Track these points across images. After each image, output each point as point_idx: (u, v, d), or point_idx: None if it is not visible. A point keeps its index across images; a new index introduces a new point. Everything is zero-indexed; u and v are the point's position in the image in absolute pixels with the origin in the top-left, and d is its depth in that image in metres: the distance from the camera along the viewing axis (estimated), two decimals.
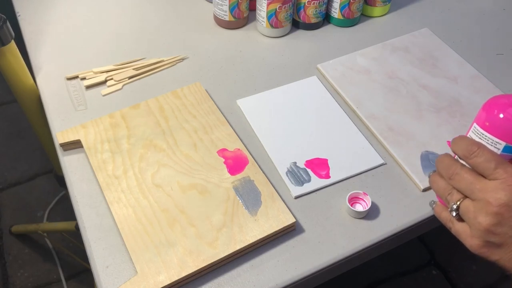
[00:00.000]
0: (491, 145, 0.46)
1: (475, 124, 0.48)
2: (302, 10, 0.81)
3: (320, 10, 0.81)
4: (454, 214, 0.47)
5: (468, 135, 0.49)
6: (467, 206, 0.46)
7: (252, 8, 0.84)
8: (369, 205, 0.57)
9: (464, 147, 0.46)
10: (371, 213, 0.59)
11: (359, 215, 0.58)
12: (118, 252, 0.55)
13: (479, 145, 0.46)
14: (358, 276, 1.29)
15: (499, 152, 0.46)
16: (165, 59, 0.78)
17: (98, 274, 0.53)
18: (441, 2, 0.90)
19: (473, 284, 1.29)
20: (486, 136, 0.46)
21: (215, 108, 0.68)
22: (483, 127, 0.46)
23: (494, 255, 0.45)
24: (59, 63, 0.77)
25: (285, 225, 0.55)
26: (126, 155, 0.62)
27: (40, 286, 1.29)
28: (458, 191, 0.47)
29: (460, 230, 0.47)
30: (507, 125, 0.45)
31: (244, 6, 0.81)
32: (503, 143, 0.45)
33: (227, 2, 0.79)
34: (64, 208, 1.43)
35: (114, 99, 0.72)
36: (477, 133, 0.47)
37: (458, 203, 0.47)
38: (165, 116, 0.67)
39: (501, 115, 0.45)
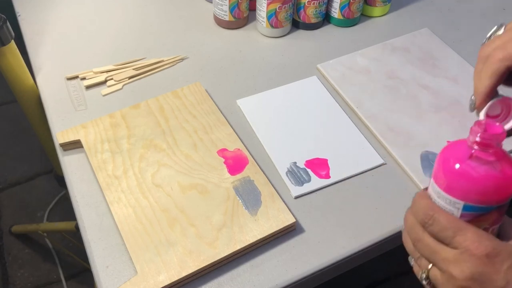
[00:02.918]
0: (450, 205, 0.39)
1: (432, 181, 0.41)
2: (302, 10, 0.81)
3: (320, 10, 0.81)
4: (424, 282, 0.43)
5: (428, 192, 0.42)
6: (436, 275, 0.41)
7: (252, 8, 0.84)
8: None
9: (421, 214, 0.41)
10: (371, 213, 0.59)
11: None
12: (118, 252, 0.55)
13: (434, 211, 0.40)
14: (358, 276, 1.29)
15: (459, 212, 0.39)
16: (165, 59, 0.78)
17: (98, 274, 0.53)
18: (441, 2, 0.90)
19: None
20: (442, 195, 0.40)
21: (215, 108, 0.68)
22: (438, 184, 0.40)
23: None
24: (59, 63, 0.77)
25: (285, 225, 0.55)
26: (126, 155, 0.62)
27: (40, 286, 1.29)
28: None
29: None
30: (463, 182, 0.38)
31: (244, 6, 0.81)
32: (462, 203, 0.39)
33: (227, 2, 0.79)
34: (64, 208, 1.43)
35: (114, 99, 0.72)
36: (435, 191, 0.40)
37: (426, 272, 0.42)
38: (165, 116, 0.67)
39: (454, 171, 0.38)
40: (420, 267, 0.43)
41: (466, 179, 0.38)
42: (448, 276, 0.39)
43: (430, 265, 0.41)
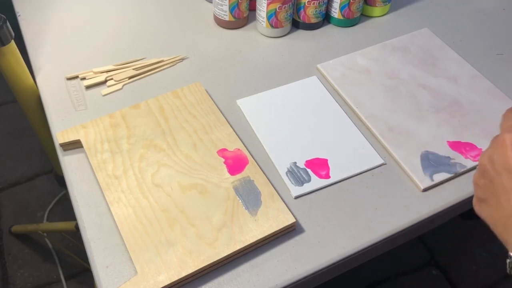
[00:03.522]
0: None
1: None
2: (302, 10, 0.81)
3: (320, 10, 0.81)
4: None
5: None
6: None
7: (252, 8, 0.84)
8: None
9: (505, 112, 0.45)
10: (371, 213, 0.59)
11: None
12: (118, 252, 0.55)
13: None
14: (358, 276, 1.29)
15: None
16: (165, 59, 0.78)
17: (98, 274, 0.53)
18: (441, 2, 0.90)
19: (473, 284, 1.29)
20: None
21: (215, 108, 0.68)
22: None
23: (483, 212, 0.43)
24: (59, 63, 0.77)
25: (285, 225, 0.55)
26: (126, 155, 0.62)
27: (40, 286, 1.29)
28: None
29: None
30: None
31: (244, 6, 0.81)
32: None
33: (227, 2, 0.79)
34: (64, 208, 1.43)
35: (114, 99, 0.72)
36: None
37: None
38: (165, 116, 0.67)
39: None
40: None
41: None
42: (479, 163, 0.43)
43: None
